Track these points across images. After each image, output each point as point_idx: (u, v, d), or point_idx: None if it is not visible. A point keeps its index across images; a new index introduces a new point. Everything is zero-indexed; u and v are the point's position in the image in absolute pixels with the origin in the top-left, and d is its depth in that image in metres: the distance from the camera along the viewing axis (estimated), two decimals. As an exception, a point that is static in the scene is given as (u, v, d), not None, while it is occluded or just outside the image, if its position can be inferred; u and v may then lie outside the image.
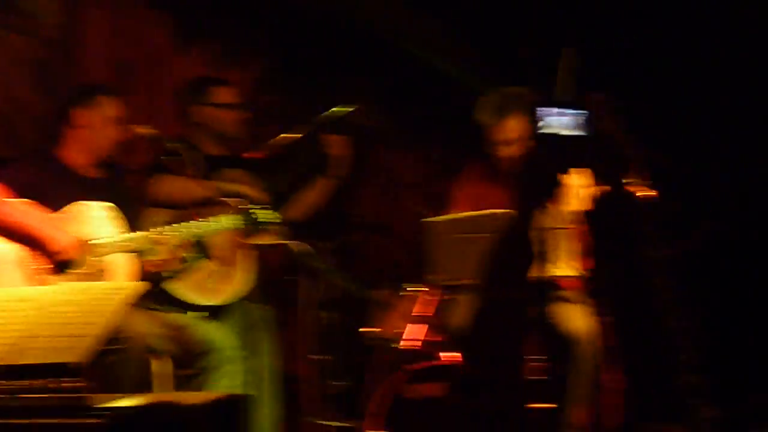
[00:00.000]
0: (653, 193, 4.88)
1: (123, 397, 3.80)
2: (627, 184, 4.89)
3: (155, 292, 5.06)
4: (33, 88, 6.23)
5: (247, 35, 6.81)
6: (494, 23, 6.67)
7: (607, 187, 5.02)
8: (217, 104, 5.49)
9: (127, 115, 4.99)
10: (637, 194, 4.87)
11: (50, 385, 3.70)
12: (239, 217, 4.73)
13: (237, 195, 4.96)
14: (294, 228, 5.50)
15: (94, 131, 4.89)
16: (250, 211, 4.70)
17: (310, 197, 5.65)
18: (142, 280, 4.63)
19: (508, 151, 5.15)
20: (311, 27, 6.90)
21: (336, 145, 5.59)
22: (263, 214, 4.75)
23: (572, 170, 5.18)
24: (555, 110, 4.24)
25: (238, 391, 4.97)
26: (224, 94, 5.53)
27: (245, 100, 5.61)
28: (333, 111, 5.73)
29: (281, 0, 6.78)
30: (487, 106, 5.20)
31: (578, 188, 4.93)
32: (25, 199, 4.69)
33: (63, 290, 4.08)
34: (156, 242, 4.77)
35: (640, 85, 6.26)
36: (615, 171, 4.97)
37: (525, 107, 5.13)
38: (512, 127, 5.13)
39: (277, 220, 4.76)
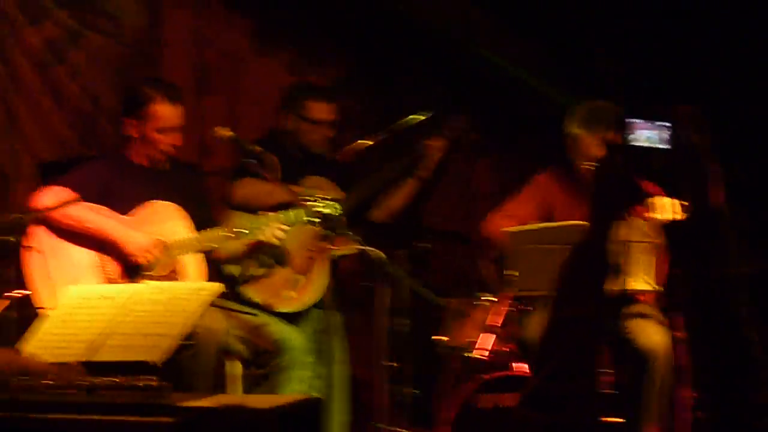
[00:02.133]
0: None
1: (197, 396, 3.82)
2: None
3: (232, 294, 5.09)
4: (114, 88, 6.30)
5: (325, 39, 6.83)
6: (572, 33, 6.63)
7: (686, 202, 4.94)
8: (311, 119, 5.47)
9: (182, 122, 4.92)
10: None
11: (127, 383, 3.73)
12: (303, 211, 4.74)
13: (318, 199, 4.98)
14: (369, 234, 5.51)
15: (147, 141, 4.87)
16: (311, 204, 4.68)
17: (399, 198, 5.62)
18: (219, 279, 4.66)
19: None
20: (389, 32, 6.91)
21: (434, 148, 5.56)
22: (325, 207, 4.72)
23: (653, 183, 5.13)
24: (644, 123, 4.18)
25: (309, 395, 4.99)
26: (319, 110, 5.48)
27: (338, 118, 5.59)
28: (410, 118, 5.73)
29: (360, 4, 6.79)
30: (580, 117, 5.13)
31: (658, 202, 4.87)
32: (100, 199, 4.73)
33: (144, 289, 4.12)
34: (229, 240, 4.80)
35: (723, 98, 6.18)
36: (698, 185, 4.91)
37: (616, 121, 5.07)
38: (610, 140, 5.06)
39: (339, 213, 4.74)
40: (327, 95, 5.56)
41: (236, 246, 4.95)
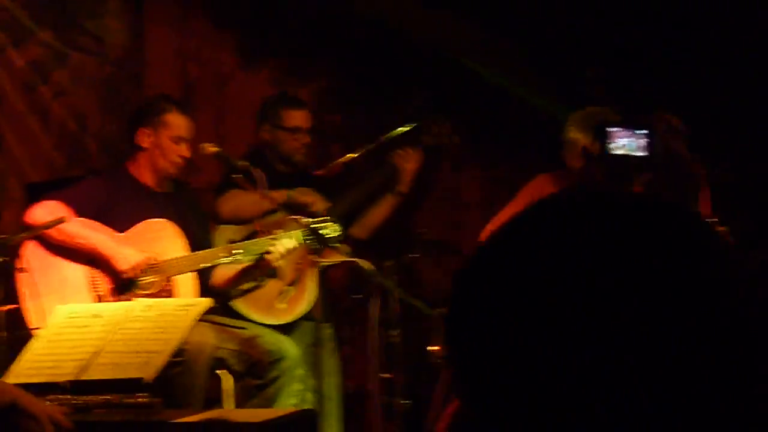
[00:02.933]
0: (723, 229, 4.82)
1: (190, 412, 3.83)
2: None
3: (222, 307, 5.09)
4: (100, 107, 6.30)
5: (310, 53, 6.83)
6: (560, 41, 6.63)
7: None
8: (287, 128, 5.50)
9: (193, 134, 5.00)
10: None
11: (119, 401, 3.73)
12: (305, 232, 4.75)
13: (303, 204, 4.98)
14: (358, 246, 5.51)
15: (160, 151, 4.90)
16: (315, 226, 4.70)
17: (378, 215, 5.63)
18: (212, 295, 4.65)
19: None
20: (373, 44, 6.91)
21: (409, 159, 5.58)
22: (328, 229, 4.75)
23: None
24: (621, 130, 4.16)
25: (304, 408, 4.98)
26: (296, 118, 5.51)
27: (314, 124, 5.62)
28: (396, 130, 5.73)
29: (344, 18, 6.79)
30: (577, 122, 5.09)
31: None
32: (97, 216, 4.73)
33: (134, 307, 4.12)
34: (227, 259, 4.79)
35: (714, 104, 6.20)
36: (680, 193, 4.92)
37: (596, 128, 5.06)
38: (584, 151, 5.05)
39: (341, 234, 4.77)
40: (300, 103, 5.59)
41: (231, 270, 4.95)
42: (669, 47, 6.39)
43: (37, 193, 5.17)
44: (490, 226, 5.16)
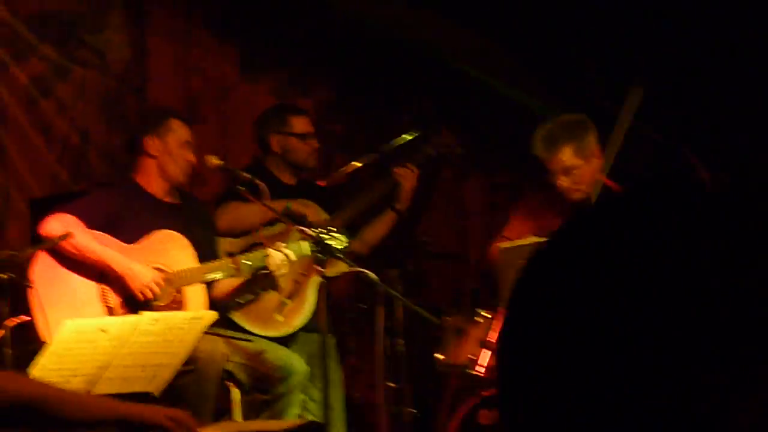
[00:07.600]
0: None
1: (200, 424, 3.82)
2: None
3: (222, 320, 5.09)
4: (102, 121, 6.31)
5: (312, 64, 6.85)
6: (561, 48, 6.64)
7: None
8: (296, 134, 5.53)
9: (196, 145, 5.03)
10: None
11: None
12: (312, 245, 4.74)
13: (300, 215, 4.98)
14: (361, 255, 5.51)
15: (169, 157, 4.93)
16: (322, 236, 4.69)
17: (377, 231, 5.65)
18: (213, 308, 4.65)
19: (567, 181, 5.09)
20: (376, 54, 6.93)
21: (408, 177, 5.59)
22: (334, 240, 4.75)
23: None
24: None
25: (310, 419, 4.98)
26: (302, 124, 5.56)
27: (317, 130, 5.66)
28: (399, 138, 5.75)
29: (346, 28, 6.81)
30: (540, 137, 5.14)
31: None
32: (108, 227, 4.73)
33: (140, 321, 4.12)
34: (235, 270, 4.79)
35: (708, 103, 6.21)
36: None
37: (578, 135, 5.08)
38: (566, 157, 5.07)
39: (347, 245, 4.77)
40: (302, 110, 5.66)
41: (232, 282, 4.95)
42: (664, 47, 6.39)
43: (41, 209, 5.18)
44: (495, 246, 5.16)
